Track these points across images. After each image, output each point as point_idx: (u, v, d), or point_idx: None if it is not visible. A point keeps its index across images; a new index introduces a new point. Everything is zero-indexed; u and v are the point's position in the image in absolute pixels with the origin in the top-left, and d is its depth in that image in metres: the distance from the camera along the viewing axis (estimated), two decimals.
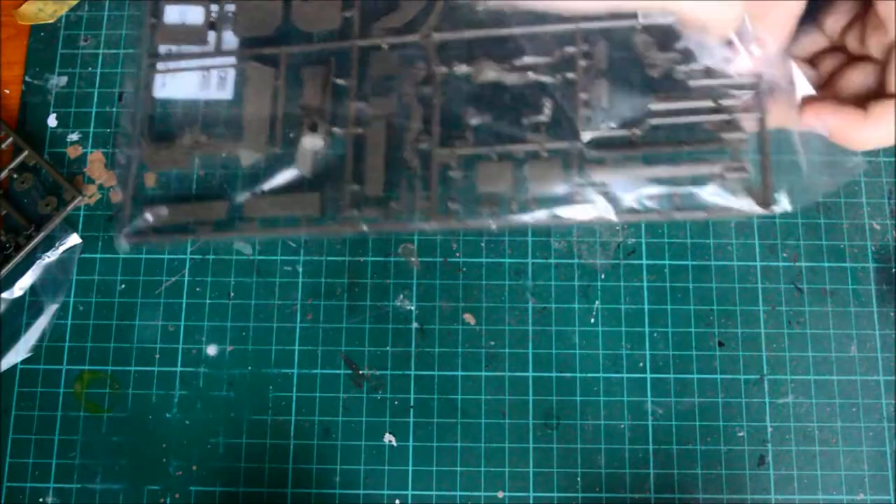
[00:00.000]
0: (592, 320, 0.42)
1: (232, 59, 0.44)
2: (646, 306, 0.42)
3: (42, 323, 0.42)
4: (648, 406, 0.41)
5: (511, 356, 0.42)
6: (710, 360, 0.42)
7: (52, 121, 0.45)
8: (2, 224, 0.43)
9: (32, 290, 0.43)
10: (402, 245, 0.43)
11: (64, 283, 0.43)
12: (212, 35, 0.44)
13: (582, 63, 0.41)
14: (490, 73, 0.42)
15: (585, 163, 0.40)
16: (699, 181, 0.39)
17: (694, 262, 0.43)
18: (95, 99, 0.45)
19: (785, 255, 0.43)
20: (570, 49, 0.41)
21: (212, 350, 0.42)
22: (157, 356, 0.42)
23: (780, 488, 0.40)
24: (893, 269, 0.43)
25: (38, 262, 0.43)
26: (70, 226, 0.43)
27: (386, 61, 0.42)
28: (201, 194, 0.43)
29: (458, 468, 0.41)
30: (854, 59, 0.35)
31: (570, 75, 0.41)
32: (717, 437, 0.41)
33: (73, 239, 0.43)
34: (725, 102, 0.39)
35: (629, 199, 0.39)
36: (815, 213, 0.44)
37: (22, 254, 0.42)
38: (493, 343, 0.42)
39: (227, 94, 0.44)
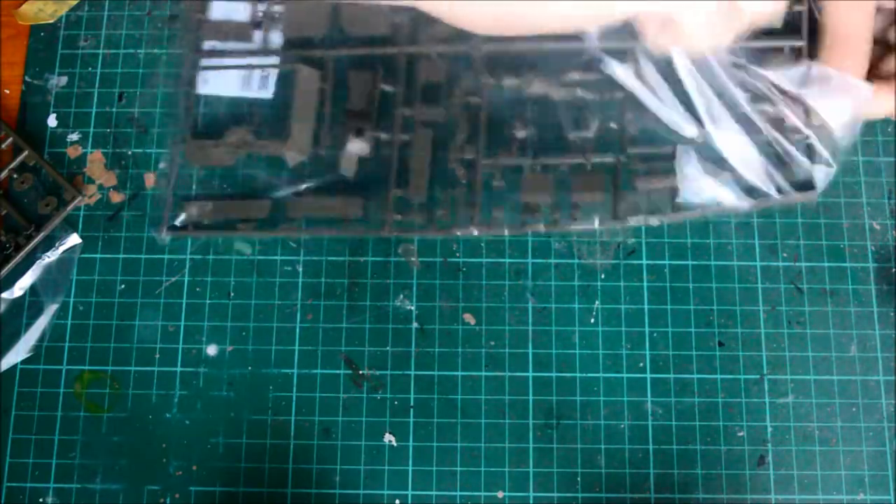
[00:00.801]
0: (592, 320, 0.42)
1: (276, 59, 0.43)
2: (646, 306, 0.42)
3: (42, 323, 0.42)
4: (648, 406, 0.41)
5: (511, 356, 0.42)
6: (710, 360, 0.42)
7: (52, 121, 0.45)
8: (2, 224, 0.43)
9: (32, 290, 0.43)
10: (402, 245, 0.43)
11: (64, 283, 0.43)
12: (257, 34, 0.44)
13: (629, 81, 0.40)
14: (538, 86, 0.42)
15: (632, 175, 0.41)
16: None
17: (694, 262, 0.43)
18: (95, 99, 0.45)
19: (785, 255, 0.43)
20: (617, 67, 0.40)
21: (212, 350, 0.42)
22: (157, 356, 0.42)
23: (780, 488, 0.40)
24: (893, 269, 0.43)
25: (38, 262, 0.43)
26: (70, 226, 0.43)
27: (434, 70, 0.42)
28: (244, 192, 0.43)
29: (458, 468, 0.41)
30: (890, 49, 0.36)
31: (618, 94, 0.41)
32: (717, 437, 0.41)
33: (73, 239, 0.43)
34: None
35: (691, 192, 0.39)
36: (815, 213, 0.44)
37: (22, 254, 0.42)
38: (493, 343, 0.42)
39: (268, 93, 0.44)
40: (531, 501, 0.40)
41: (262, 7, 0.44)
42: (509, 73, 0.42)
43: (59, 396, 0.41)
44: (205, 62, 0.44)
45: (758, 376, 0.42)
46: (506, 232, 0.41)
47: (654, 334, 0.42)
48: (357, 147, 0.42)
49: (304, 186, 0.42)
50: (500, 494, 0.40)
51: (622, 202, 0.40)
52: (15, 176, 0.44)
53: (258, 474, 0.41)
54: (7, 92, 0.46)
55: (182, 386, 0.42)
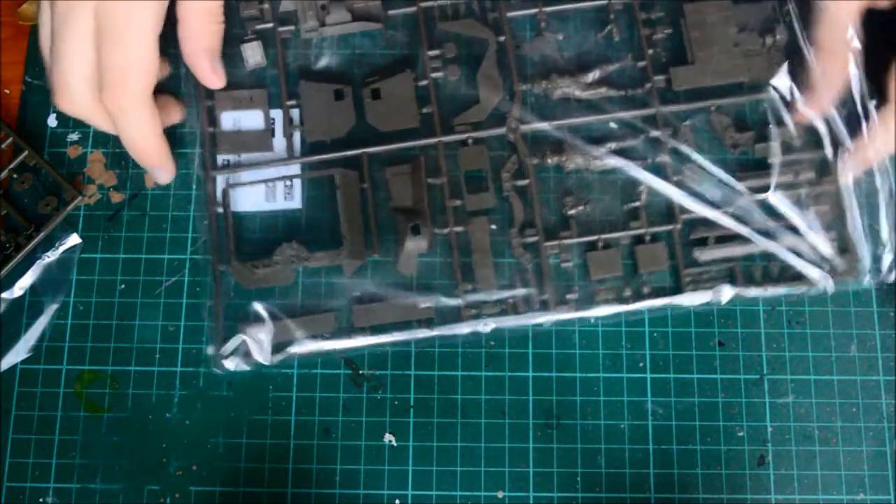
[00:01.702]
0: (592, 320, 0.42)
1: (298, 166, 0.42)
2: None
3: (42, 323, 0.42)
4: (648, 406, 0.41)
5: (511, 356, 0.42)
6: (710, 360, 0.42)
7: (52, 121, 0.45)
8: (2, 224, 0.43)
9: (32, 290, 0.43)
10: None
11: (64, 283, 0.43)
12: (275, 142, 0.43)
13: (669, 144, 0.42)
14: (579, 160, 0.42)
15: (690, 244, 0.42)
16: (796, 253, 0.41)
17: None
18: None
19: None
20: (654, 133, 0.42)
21: (212, 350, 0.42)
22: (157, 356, 0.42)
23: (780, 488, 0.40)
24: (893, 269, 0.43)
25: (38, 262, 0.43)
26: (70, 226, 0.43)
27: (474, 156, 0.42)
28: (305, 308, 0.41)
29: (458, 468, 0.41)
30: None
31: (661, 158, 0.42)
32: (717, 437, 0.41)
33: (73, 239, 0.43)
34: (804, 176, 0.41)
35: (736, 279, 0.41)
36: None
37: (22, 254, 0.42)
38: (492, 343, 0.42)
39: (295, 203, 0.42)
40: (531, 501, 0.40)
41: (274, 114, 0.43)
42: (551, 151, 0.42)
43: (59, 396, 0.41)
44: (232, 178, 0.42)
45: (758, 376, 0.42)
46: (586, 314, 0.41)
47: (654, 334, 0.42)
48: (415, 245, 0.40)
49: (365, 294, 0.41)
50: (500, 494, 0.40)
51: (686, 275, 0.41)
52: (15, 176, 0.44)
53: (258, 474, 0.41)
54: (7, 92, 0.46)
55: (182, 386, 0.42)
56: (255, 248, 0.42)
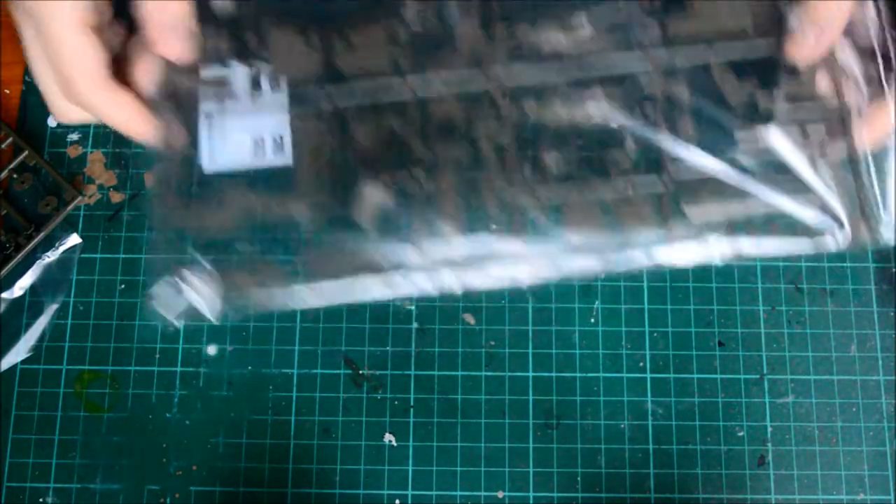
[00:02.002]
0: (592, 320, 0.42)
1: (282, 117, 0.39)
2: (646, 306, 0.42)
3: (42, 323, 0.42)
4: (648, 406, 0.41)
5: (511, 356, 0.42)
6: (710, 360, 0.42)
7: (52, 121, 0.45)
8: (2, 224, 0.43)
9: (32, 290, 0.43)
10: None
11: (64, 283, 0.43)
12: (258, 94, 0.40)
13: (662, 92, 0.39)
14: (560, 110, 0.40)
15: (680, 201, 0.38)
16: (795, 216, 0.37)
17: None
18: None
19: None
20: (645, 81, 0.39)
21: (212, 350, 0.42)
22: (157, 356, 0.42)
23: (780, 488, 0.40)
24: (893, 269, 0.43)
25: (38, 262, 0.43)
26: (70, 226, 0.43)
27: (447, 105, 0.39)
28: (256, 258, 0.39)
29: (458, 468, 0.41)
30: None
31: (650, 113, 0.39)
32: (717, 437, 0.41)
33: (73, 239, 0.43)
34: (812, 128, 0.38)
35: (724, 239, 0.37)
36: None
37: (22, 254, 0.42)
38: (493, 343, 0.42)
39: (287, 158, 0.40)
40: (531, 501, 0.40)
41: (256, 64, 0.40)
42: (529, 99, 0.39)
43: (59, 396, 0.41)
44: (206, 130, 0.40)
45: (758, 376, 0.42)
46: (559, 272, 0.38)
47: (654, 334, 0.42)
48: (375, 193, 0.38)
49: (322, 244, 0.39)
50: (500, 494, 0.40)
51: (675, 232, 0.38)
52: (15, 176, 0.44)
53: (258, 474, 0.41)
54: (7, 92, 0.46)
55: (182, 386, 0.42)
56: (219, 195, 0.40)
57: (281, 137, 0.40)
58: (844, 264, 0.43)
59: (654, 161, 0.39)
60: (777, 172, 0.38)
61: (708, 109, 0.39)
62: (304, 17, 0.41)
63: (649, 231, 0.38)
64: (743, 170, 0.37)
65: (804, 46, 0.37)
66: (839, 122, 0.38)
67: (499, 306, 0.42)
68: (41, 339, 0.42)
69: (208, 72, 0.41)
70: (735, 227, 0.38)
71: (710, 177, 0.38)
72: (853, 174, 0.38)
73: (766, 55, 0.39)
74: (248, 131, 0.40)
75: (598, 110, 0.39)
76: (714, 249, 0.37)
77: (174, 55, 0.38)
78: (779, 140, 0.37)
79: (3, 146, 0.44)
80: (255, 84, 0.41)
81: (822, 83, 0.38)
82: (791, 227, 0.37)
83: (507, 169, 0.39)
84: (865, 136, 0.37)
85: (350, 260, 0.38)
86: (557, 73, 0.40)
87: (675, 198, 0.38)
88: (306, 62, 0.40)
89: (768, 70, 0.39)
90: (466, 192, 0.39)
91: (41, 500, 0.40)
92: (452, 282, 0.38)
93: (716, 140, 0.38)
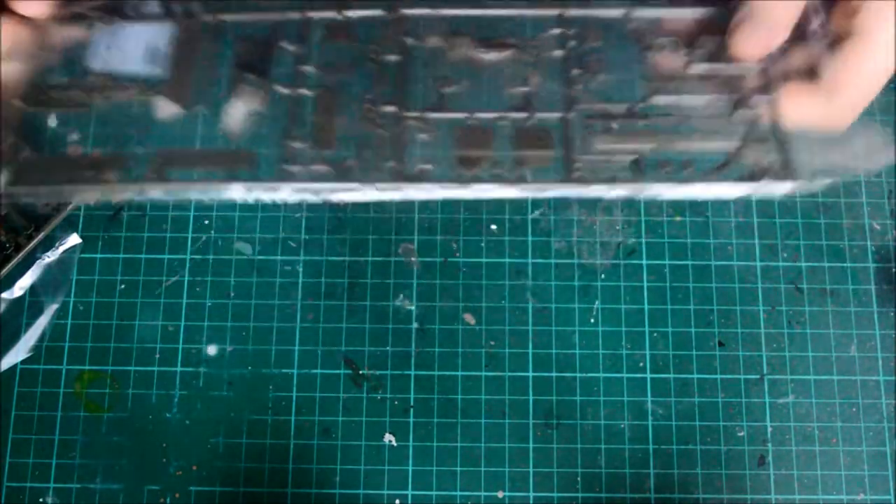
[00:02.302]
0: (592, 320, 0.42)
1: (161, 27, 0.36)
2: (646, 306, 0.42)
3: (42, 323, 0.42)
4: (648, 406, 0.41)
5: (511, 356, 0.42)
6: (710, 360, 0.42)
7: (52, 121, 0.45)
8: (2, 224, 0.43)
9: (32, 290, 0.43)
10: (402, 245, 0.43)
11: (64, 283, 0.43)
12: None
13: (571, 43, 0.37)
14: (466, 49, 0.38)
15: (586, 132, 0.35)
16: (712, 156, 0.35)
17: (694, 262, 0.43)
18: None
19: (785, 255, 0.43)
20: (556, 31, 0.37)
21: (212, 350, 0.42)
22: (157, 356, 0.42)
23: (780, 488, 0.40)
24: (893, 269, 0.43)
25: (38, 262, 0.43)
26: (70, 226, 0.43)
27: (343, 31, 0.37)
28: (98, 149, 0.37)
29: (458, 468, 0.41)
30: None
31: (558, 53, 0.37)
32: (717, 437, 0.41)
33: (73, 239, 0.43)
34: (734, 92, 0.35)
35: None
36: (815, 213, 0.44)
37: (22, 254, 0.42)
38: (493, 343, 0.42)
39: (163, 70, 0.37)
40: (531, 501, 0.40)
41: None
42: (433, 34, 0.37)
43: (59, 396, 0.41)
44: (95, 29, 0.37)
45: (758, 376, 0.42)
46: (440, 192, 0.35)
47: (654, 334, 0.42)
48: (244, 100, 0.36)
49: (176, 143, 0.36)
50: (500, 494, 0.40)
51: (577, 164, 0.35)
52: None
53: (258, 474, 0.41)
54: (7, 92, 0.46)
55: (182, 386, 0.42)
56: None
57: (159, 48, 0.38)
58: (845, 264, 0.43)
59: (561, 104, 0.36)
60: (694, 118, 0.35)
61: (621, 59, 0.36)
62: None
63: (548, 158, 0.35)
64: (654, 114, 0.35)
65: (750, 44, 0.34)
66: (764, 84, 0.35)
67: (499, 306, 0.43)
68: (41, 339, 0.42)
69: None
70: (643, 164, 0.35)
71: (620, 118, 0.35)
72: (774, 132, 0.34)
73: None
74: (133, 38, 0.38)
75: (501, 55, 0.37)
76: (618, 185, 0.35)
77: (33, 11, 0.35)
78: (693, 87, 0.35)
79: (3, 146, 0.44)
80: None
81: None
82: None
83: (396, 89, 0.37)
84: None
85: (206, 156, 0.36)
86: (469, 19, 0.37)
87: (581, 129, 0.36)
88: None
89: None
90: (346, 109, 0.36)
91: (41, 500, 0.40)
92: (320, 187, 0.35)
93: (629, 89, 0.36)
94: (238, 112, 0.36)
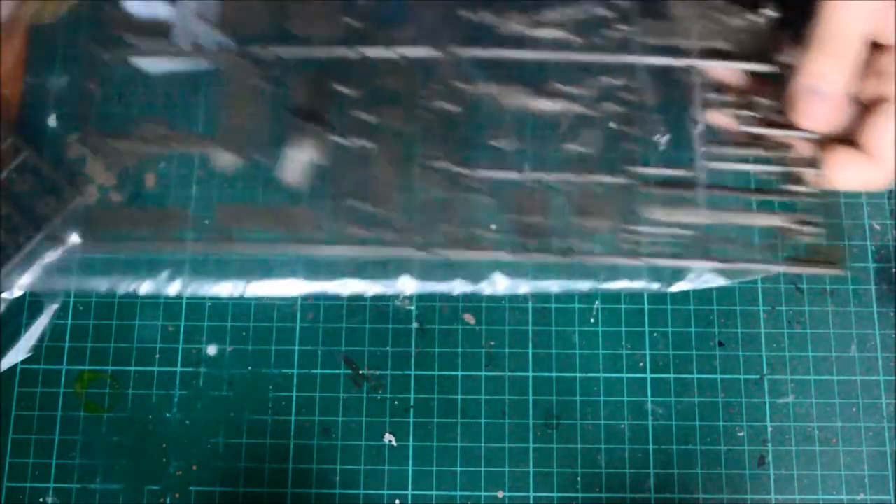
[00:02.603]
0: (592, 320, 0.42)
1: (203, 60, 0.37)
2: (646, 306, 0.42)
3: (42, 323, 0.42)
4: (648, 406, 0.41)
5: (511, 356, 0.42)
6: (710, 360, 0.42)
7: (52, 121, 0.45)
8: (2, 224, 0.43)
9: (32, 290, 0.43)
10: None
11: (64, 283, 0.43)
12: (181, 33, 0.38)
13: (629, 97, 0.36)
14: (521, 97, 0.37)
15: (641, 200, 0.35)
16: (766, 234, 0.35)
17: None
18: (95, 99, 0.45)
19: (785, 255, 0.43)
20: (610, 80, 0.37)
21: (212, 350, 0.42)
22: (157, 356, 0.42)
23: (780, 488, 0.40)
24: (893, 269, 0.43)
25: (38, 262, 0.43)
26: (70, 226, 0.43)
27: (398, 75, 0.37)
28: (156, 200, 0.37)
29: (458, 468, 0.41)
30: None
31: (618, 108, 0.36)
32: (717, 437, 0.41)
33: (73, 239, 0.43)
34: (790, 154, 0.35)
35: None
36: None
37: (22, 254, 0.42)
38: (493, 343, 0.42)
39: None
40: (531, 501, 0.40)
41: (191, 6, 0.38)
42: (488, 81, 0.37)
43: (59, 396, 0.41)
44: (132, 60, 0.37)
45: (758, 376, 0.42)
46: (504, 256, 0.35)
47: (654, 334, 0.42)
48: (304, 150, 0.36)
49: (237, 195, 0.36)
50: (500, 494, 0.40)
51: (630, 235, 0.35)
52: (15, 176, 0.44)
53: (258, 474, 0.41)
54: (7, 92, 0.46)
55: (182, 386, 0.42)
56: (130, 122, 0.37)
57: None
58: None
59: (618, 161, 0.36)
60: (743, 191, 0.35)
61: (677, 115, 0.36)
62: None
63: (607, 224, 0.35)
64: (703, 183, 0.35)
65: (810, 117, 0.33)
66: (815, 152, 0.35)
67: (499, 306, 0.43)
68: (41, 339, 0.42)
69: (130, 8, 0.38)
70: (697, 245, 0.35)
71: (678, 181, 0.35)
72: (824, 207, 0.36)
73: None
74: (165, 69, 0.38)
75: (554, 104, 0.37)
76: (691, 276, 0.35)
77: None
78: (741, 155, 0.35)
79: (3, 146, 0.44)
80: (183, 24, 0.38)
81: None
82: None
83: (453, 142, 0.36)
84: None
85: (266, 215, 0.35)
86: (517, 64, 0.37)
87: (633, 194, 0.35)
88: (252, 13, 0.37)
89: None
90: (406, 162, 0.36)
91: (41, 500, 0.40)
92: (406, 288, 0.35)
93: (685, 148, 0.36)
94: (295, 163, 0.36)
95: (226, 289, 0.36)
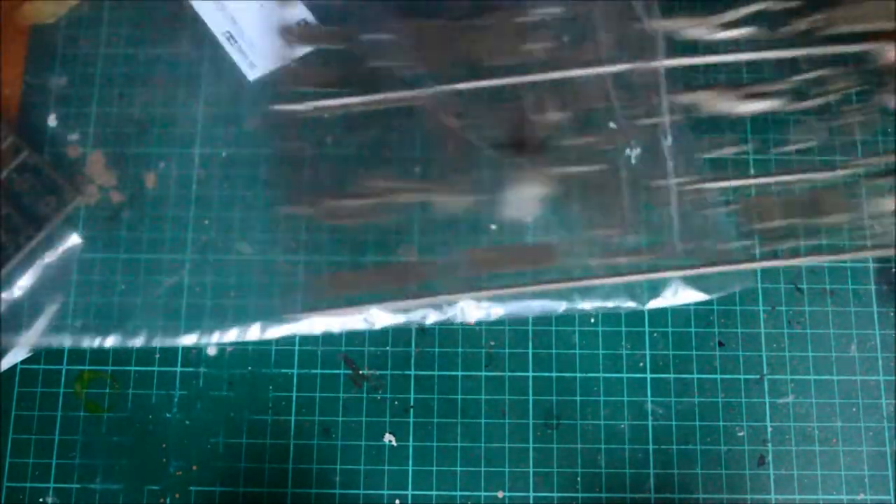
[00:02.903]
0: (592, 320, 0.42)
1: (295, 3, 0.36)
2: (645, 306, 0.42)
3: (42, 323, 0.42)
4: (648, 406, 0.41)
5: (511, 356, 0.42)
6: (710, 360, 0.42)
7: (52, 121, 0.45)
8: (2, 224, 0.43)
9: (32, 290, 0.43)
10: (402, 245, 0.43)
11: (64, 283, 0.43)
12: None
13: (834, 87, 0.36)
14: (720, 102, 0.37)
15: (872, 192, 0.35)
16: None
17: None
18: (95, 99, 0.45)
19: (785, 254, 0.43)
20: (809, 73, 0.36)
21: (212, 350, 0.42)
22: (157, 356, 0.42)
23: (780, 488, 0.40)
24: (893, 269, 0.43)
25: (38, 262, 0.43)
26: (70, 226, 0.43)
27: (592, 89, 0.36)
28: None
29: (458, 468, 0.41)
30: None
31: (820, 101, 0.36)
32: (717, 437, 0.41)
33: (73, 239, 0.43)
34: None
35: None
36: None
37: (22, 254, 0.42)
38: (493, 343, 0.42)
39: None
40: (531, 501, 0.40)
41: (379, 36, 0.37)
42: (691, 90, 0.37)
43: (59, 396, 0.41)
44: (231, 46, 0.37)
45: (758, 376, 0.42)
46: (755, 264, 0.35)
47: (654, 334, 0.42)
48: (528, 186, 0.35)
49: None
50: (500, 494, 0.40)
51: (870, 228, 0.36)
52: (15, 176, 0.44)
53: (258, 474, 0.41)
54: (7, 92, 0.46)
55: (182, 386, 0.42)
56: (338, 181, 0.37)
57: (305, 21, 0.38)
58: (844, 264, 0.43)
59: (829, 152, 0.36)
60: None
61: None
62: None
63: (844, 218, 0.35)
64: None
65: None
66: None
67: None
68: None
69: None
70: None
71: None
72: None
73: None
74: (271, 27, 0.37)
75: (763, 106, 0.36)
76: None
77: None
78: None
79: (3, 146, 0.44)
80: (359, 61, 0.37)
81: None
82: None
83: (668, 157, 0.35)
84: None
85: (520, 254, 0.35)
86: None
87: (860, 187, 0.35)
88: (428, 47, 0.37)
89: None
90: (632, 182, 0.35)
91: (41, 500, 0.40)
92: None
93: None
94: (521, 199, 0.35)
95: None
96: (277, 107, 0.38)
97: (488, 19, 0.37)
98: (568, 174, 0.35)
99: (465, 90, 0.36)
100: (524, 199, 0.35)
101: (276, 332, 0.40)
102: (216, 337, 0.39)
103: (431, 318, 0.37)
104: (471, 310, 0.36)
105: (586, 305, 0.36)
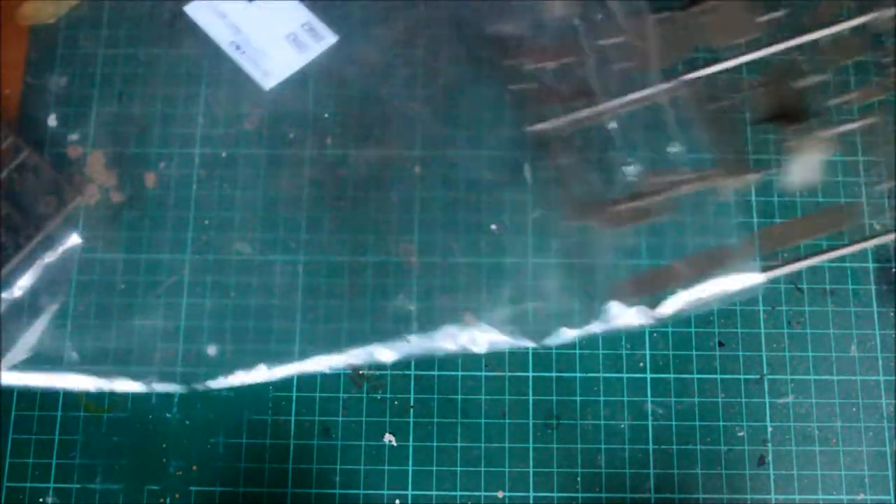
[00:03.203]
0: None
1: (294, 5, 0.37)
2: None
3: (42, 323, 0.42)
4: (648, 406, 0.41)
5: (511, 356, 0.42)
6: (710, 360, 0.42)
7: (52, 121, 0.45)
8: (2, 224, 0.43)
9: (32, 290, 0.43)
10: (402, 245, 0.43)
11: (64, 283, 0.43)
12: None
13: None
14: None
15: None
16: None
17: None
18: (95, 99, 0.45)
19: (785, 255, 0.43)
20: None
21: (212, 350, 0.42)
22: (157, 356, 0.42)
23: (780, 488, 0.40)
24: (893, 269, 0.43)
25: (38, 262, 0.43)
26: (70, 226, 0.43)
27: (855, 44, 0.37)
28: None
29: (458, 468, 0.41)
30: None
31: None
32: (717, 437, 0.41)
33: (73, 239, 0.43)
34: None
35: None
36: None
37: (22, 254, 0.42)
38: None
39: (329, 37, 0.38)
40: (531, 501, 0.40)
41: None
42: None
43: (59, 396, 0.41)
44: (241, 57, 0.38)
45: (758, 376, 0.42)
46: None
47: (654, 334, 0.42)
48: (805, 152, 0.36)
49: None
50: (500, 494, 0.40)
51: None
52: (15, 176, 0.44)
53: (258, 474, 0.41)
54: (7, 92, 0.46)
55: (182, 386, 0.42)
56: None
57: (309, 23, 0.38)
58: (844, 264, 0.43)
59: None
60: None
61: None
62: None
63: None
64: None
65: None
66: None
67: None
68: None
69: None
70: None
71: None
72: None
73: None
74: (277, 34, 0.38)
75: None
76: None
77: None
78: None
79: (3, 146, 0.44)
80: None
81: None
82: None
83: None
84: None
85: (806, 226, 0.36)
86: None
87: None
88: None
89: None
90: None
91: (41, 500, 0.40)
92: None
93: None
94: (802, 166, 0.36)
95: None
96: (532, 127, 0.38)
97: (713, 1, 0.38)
98: (840, 133, 0.37)
99: (708, 74, 0.38)
100: (806, 167, 0.36)
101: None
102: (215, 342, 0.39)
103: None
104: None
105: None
